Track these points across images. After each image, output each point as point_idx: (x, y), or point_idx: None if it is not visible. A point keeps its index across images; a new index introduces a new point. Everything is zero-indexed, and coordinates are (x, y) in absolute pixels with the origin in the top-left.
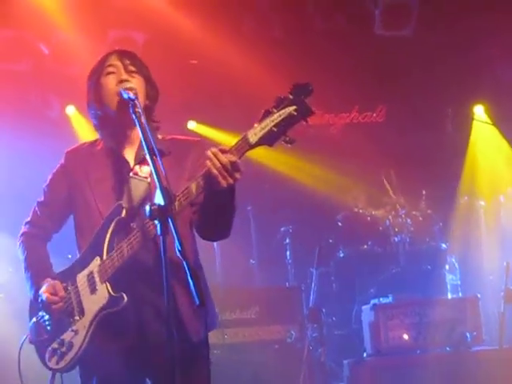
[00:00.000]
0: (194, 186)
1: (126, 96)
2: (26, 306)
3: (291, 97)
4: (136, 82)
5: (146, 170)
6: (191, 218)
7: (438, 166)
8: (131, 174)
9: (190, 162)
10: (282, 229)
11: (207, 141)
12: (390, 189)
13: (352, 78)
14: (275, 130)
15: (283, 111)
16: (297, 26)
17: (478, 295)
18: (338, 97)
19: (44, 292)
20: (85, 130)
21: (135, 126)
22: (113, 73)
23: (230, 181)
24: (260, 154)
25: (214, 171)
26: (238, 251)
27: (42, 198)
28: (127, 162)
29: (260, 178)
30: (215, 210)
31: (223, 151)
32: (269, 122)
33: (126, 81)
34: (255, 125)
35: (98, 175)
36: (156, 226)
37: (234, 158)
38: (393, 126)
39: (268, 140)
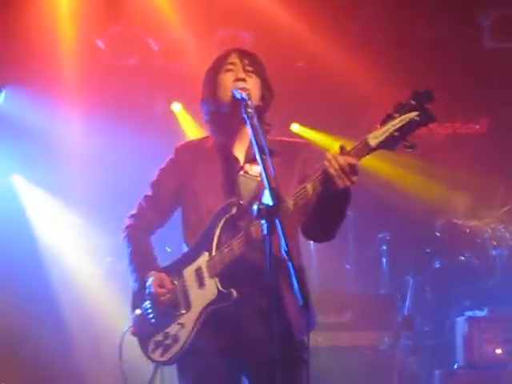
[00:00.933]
0: (310, 187)
1: (238, 96)
2: (126, 296)
3: (413, 102)
4: (252, 82)
5: (256, 170)
6: (299, 219)
7: None
8: (242, 172)
9: (299, 164)
10: (380, 235)
11: (314, 144)
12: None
13: (456, 87)
14: (396, 134)
15: (405, 116)
16: (403, 34)
17: None
18: (442, 106)
19: (151, 284)
20: (190, 128)
21: (246, 125)
22: (231, 70)
23: (347, 182)
24: (362, 160)
25: (332, 171)
26: (334, 255)
27: (150, 192)
28: (237, 160)
29: (361, 184)
30: (327, 211)
31: (343, 153)
32: (390, 127)
33: (243, 80)
34: (376, 128)
35: (207, 171)
36: (263, 226)
37: (353, 161)
38: (495, 139)
39: (388, 144)
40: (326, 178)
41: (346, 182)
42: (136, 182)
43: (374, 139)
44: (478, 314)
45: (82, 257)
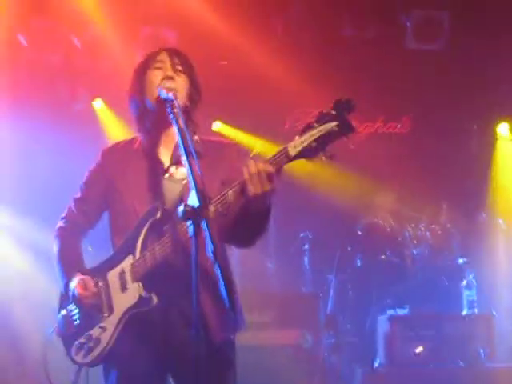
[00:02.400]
0: (231, 193)
1: (164, 95)
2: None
3: (333, 112)
4: (180, 81)
5: (182, 172)
6: (221, 223)
7: (461, 181)
8: (166, 176)
9: (225, 165)
10: (302, 234)
11: (240, 144)
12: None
13: (379, 87)
14: (315, 144)
15: (324, 126)
16: (328, 33)
17: (494, 312)
18: (363, 105)
19: (75, 287)
20: (111, 124)
21: (172, 125)
22: (160, 68)
23: (258, 190)
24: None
25: (247, 176)
26: (256, 254)
27: (79, 195)
28: (162, 163)
29: (282, 183)
30: (246, 220)
31: (261, 161)
32: (309, 137)
33: (171, 78)
34: (296, 138)
35: (134, 175)
36: (188, 228)
37: (270, 169)
38: (417, 138)
39: (307, 154)
40: (243, 184)
41: (258, 188)
42: (54, 177)
43: (293, 149)
44: (400, 312)
45: (4, 253)
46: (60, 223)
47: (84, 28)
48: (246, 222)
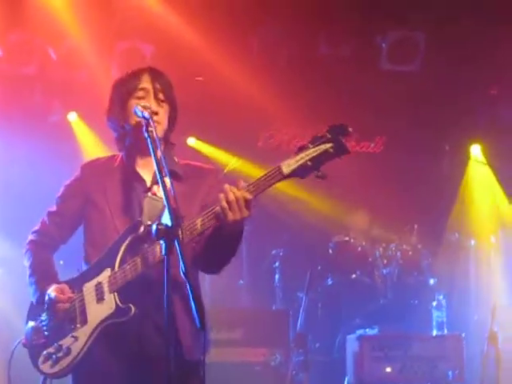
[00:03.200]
0: (199, 222)
1: (140, 114)
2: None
3: (329, 135)
4: (162, 113)
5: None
6: (193, 247)
7: (432, 201)
8: (149, 194)
9: (204, 190)
10: (273, 252)
11: (220, 170)
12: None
13: (353, 106)
14: (309, 164)
15: (319, 147)
16: (303, 51)
17: (463, 334)
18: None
19: (52, 291)
20: (85, 137)
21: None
22: (142, 98)
23: (237, 216)
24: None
25: (224, 204)
26: (227, 270)
27: (54, 208)
28: (143, 181)
29: (254, 200)
30: (218, 246)
31: (239, 187)
32: (304, 156)
33: (155, 113)
34: (291, 156)
35: (114, 191)
36: (161, 246)
37: (248, 196)
38: (390, 158)
39: (300, 173)
40: (219, 211)
41: (236, 215)
42: (30, 188)
43: (287, 167)
44: (369, 332)
45: None
46: (31, 236)
47: (60, 40)
48: (218, 246)
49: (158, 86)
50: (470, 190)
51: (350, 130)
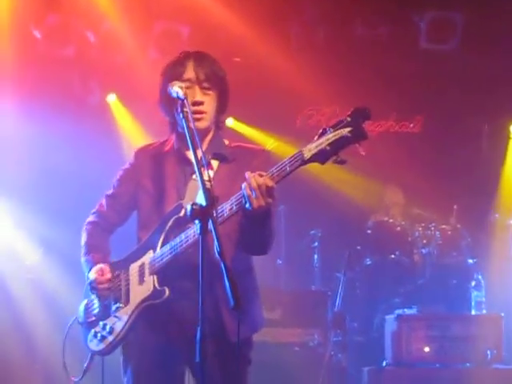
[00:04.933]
0: (227, 207)
1: (174, 95)
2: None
3: (349, 119)
4: (208, 102)
5: (210, 174)
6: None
7: (472, 182)
8: (193, 177)
9: (252, 170)
10: (312, 232)
11: (271, 151)
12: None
13: (391, 86)
14: (328, 148)
15: (338, 132)
16: (341, 33)
17: (502, 314)
18: (375, 104)
19: (92, 272)
20: (124, 118)
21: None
22: (187, 88)
23: (261, 203)
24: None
25: (248, 191)
26: None
27: (111, 192)
28: (191, 164)
29: (295, 179)
30: (250, 230)
31: (262, 174)
32: (324, 141)
33: (201, 103)
34: (313, 141)
35: (164, 176)
36: (196, 226)
37: (270, 183)
38: (429, 138)
39: (320, 157)
40: (243, 198)
41: (260, 202)
42: (68, 171)
43: (308, 152)
44: (408, 312)
45: (13, 247)
46: (90, 217)
47: (98, 22)
48: (249, 231)
49: (202, 75)
50: (509, 169)
51: (370, 113)
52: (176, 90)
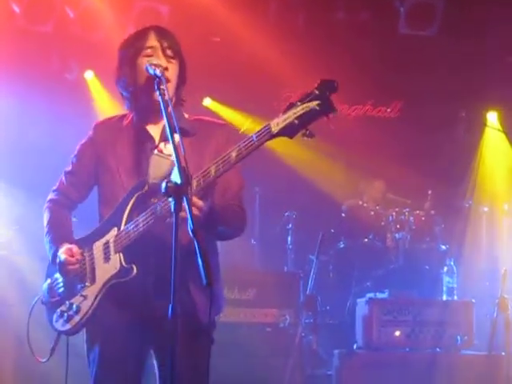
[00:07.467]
0: (213, 169)
1: (151, 72)
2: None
3: (317, 92)
4: (172, 69)
5: (170, 148)
6: None
7: (447, 168)
8: (155, 151)
9: (213, 145)
10: (287, 213)
11: (232, 125)
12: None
13: (370, 71)
14: (296, 122)
15: (306, 105)
16: (321, 15)
17: (473, 300)
18: (353, 88)
19: (62, 253)
20: (101, 95)
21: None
22: (150, 55)
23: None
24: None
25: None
26: None
27: (70, 168)
28: (152, 139)
29: (270, 161)
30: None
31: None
32: (291, 115)
33: (166, 69)
34: (279, 115)
35: (123, 150)
36: (170, 203)
37: (199, 204)
38: (405, 123)
39: (288, 131)
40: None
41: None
42: (46, 148)
43: (275, 126)
44: (379, 296)
45: None
46: (51, 195)
47: None
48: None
49: (165, 43)
50: (484, 157)
51: (337, 85)
52: (153, 67)
